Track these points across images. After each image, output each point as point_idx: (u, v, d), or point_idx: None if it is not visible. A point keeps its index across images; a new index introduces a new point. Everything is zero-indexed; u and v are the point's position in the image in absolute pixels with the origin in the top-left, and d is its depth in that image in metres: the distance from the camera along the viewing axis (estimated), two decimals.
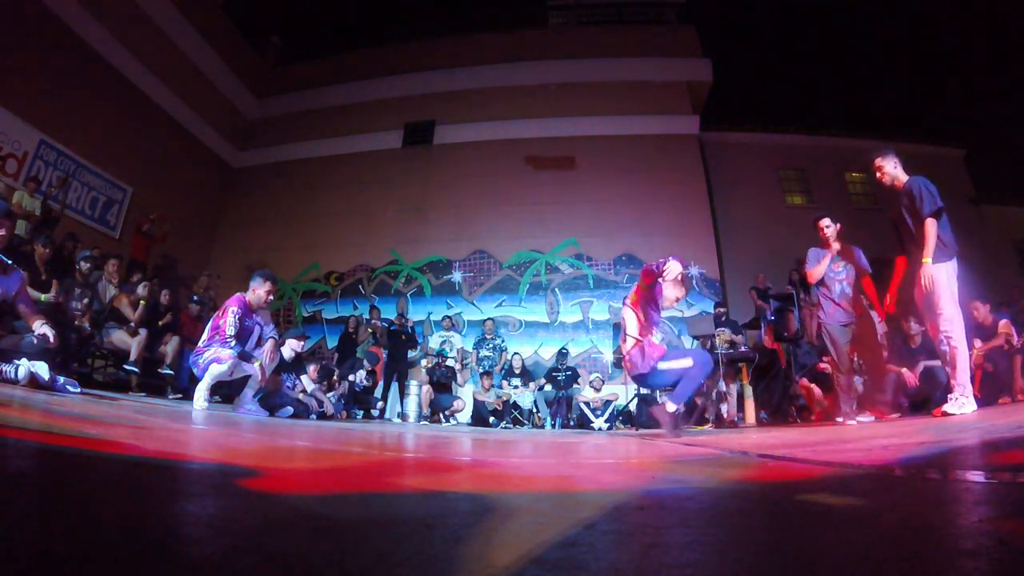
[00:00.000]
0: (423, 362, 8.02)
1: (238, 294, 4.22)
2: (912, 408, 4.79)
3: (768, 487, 1.22)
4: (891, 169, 3.62)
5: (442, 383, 7.38)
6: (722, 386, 6.32)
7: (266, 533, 0.61)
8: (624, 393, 7.56)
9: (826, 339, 4.22)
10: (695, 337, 7.48)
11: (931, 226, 3.27)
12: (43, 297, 4.58)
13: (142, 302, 5.77)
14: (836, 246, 4.30)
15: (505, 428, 6.79)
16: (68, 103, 7.92)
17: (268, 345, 4.25)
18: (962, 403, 3.08)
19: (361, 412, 6.75)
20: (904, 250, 3.63)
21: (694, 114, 10.70)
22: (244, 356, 4.00)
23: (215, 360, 3.85)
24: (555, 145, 10.50)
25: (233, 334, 3.94)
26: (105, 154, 8.51)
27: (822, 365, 5.48)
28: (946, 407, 3.13)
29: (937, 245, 3.30)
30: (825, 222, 4.33)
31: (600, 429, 6.87)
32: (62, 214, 7.07)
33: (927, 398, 4.68)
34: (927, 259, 3.27)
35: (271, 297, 4.32)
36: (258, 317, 4.26)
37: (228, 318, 3.97)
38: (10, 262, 3.43)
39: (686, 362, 3.42)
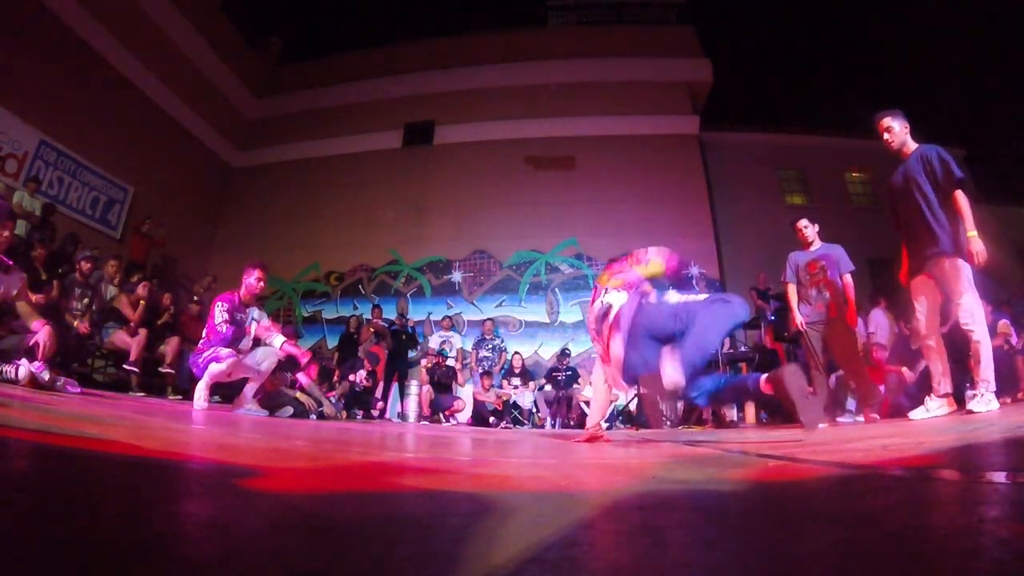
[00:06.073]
0: (423, 362, 8.02)
1: (225, 292, 4.23)
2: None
3: (768, 487, 1.22)
4: (900, 131, 3.27)
5: (442, 383, 7.38)
6: None
7: (266, 533, 0.61)
8: (624, 393, 7.55)
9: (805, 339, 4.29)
10: None
11: (963, 196, 2.98)
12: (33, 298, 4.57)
13: (142, 302, 5.78)
14: (817, 245, 4.30)
15: (505, 428, 6.79)
16: (68, 103, 7.93)
17: (273, 344, 4.26)
18: (988, 400, 2.88)
19: (361, 412, 6.75)
20: (900, 225, 3.33)
21: (694, 114, 10.71)
22: (238, 334, 4.01)
23: (214, 359, 3.85)
24: (555, 145, 10.50)
25: (224, 320, 3.94)
26: (105, 154, 8.51)
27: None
28: (971, 404, 2.92)
29: (959, 232, 2.97)
30: (803, 222, 4.36)
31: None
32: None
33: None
34: (972, 232, 2.91)
35: (262, 284, 4.25)
36: (252, 311, 4.26)
37: (215, 312, 3.98)
38: (11, 263, 3.43)
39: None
